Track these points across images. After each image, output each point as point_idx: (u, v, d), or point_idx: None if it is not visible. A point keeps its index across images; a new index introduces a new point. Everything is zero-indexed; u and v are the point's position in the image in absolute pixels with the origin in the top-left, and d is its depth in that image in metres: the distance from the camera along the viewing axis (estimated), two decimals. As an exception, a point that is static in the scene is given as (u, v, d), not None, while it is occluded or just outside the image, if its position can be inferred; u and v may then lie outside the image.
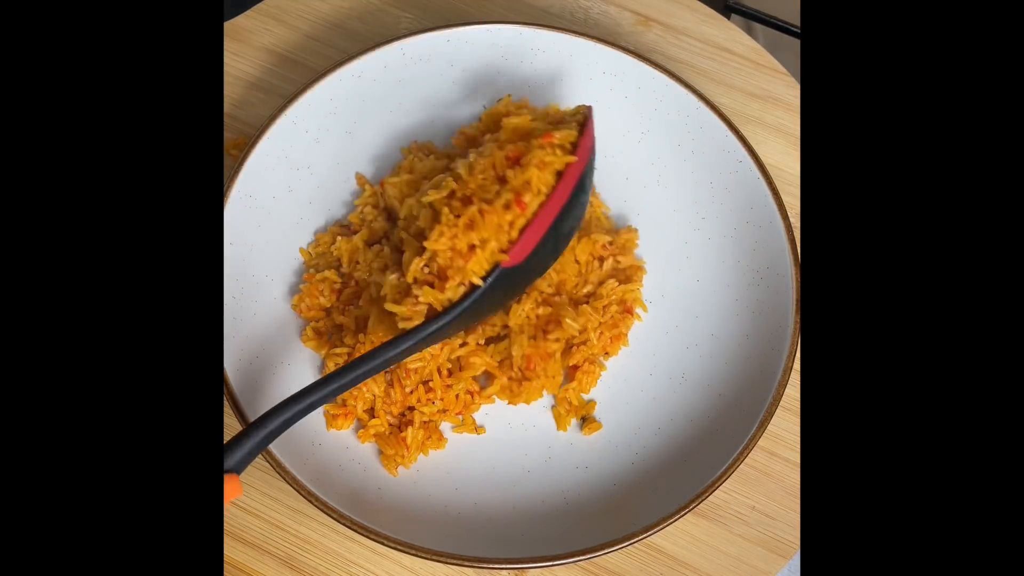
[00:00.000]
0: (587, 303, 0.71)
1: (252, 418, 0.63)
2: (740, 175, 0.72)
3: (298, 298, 0.71)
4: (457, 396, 0.68)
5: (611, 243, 0.73)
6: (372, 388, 0.66)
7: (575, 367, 0.70)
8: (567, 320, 0.68)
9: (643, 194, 0.77)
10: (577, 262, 0.72)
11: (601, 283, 0.72)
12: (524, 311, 0.68)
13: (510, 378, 0.68)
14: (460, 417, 0.68)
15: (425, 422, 0.67)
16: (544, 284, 0.69)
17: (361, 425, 0.68)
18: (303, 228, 0.74)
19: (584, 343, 0.69)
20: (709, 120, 0.74)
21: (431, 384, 0.67)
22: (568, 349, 0.70)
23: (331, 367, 0.68)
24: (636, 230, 0.75)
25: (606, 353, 0.71)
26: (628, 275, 0.73)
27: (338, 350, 0.68)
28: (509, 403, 0.69)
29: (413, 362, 0.66)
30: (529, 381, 0.68)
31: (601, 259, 0.73)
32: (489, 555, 0.61)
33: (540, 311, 0.69)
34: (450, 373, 0.68)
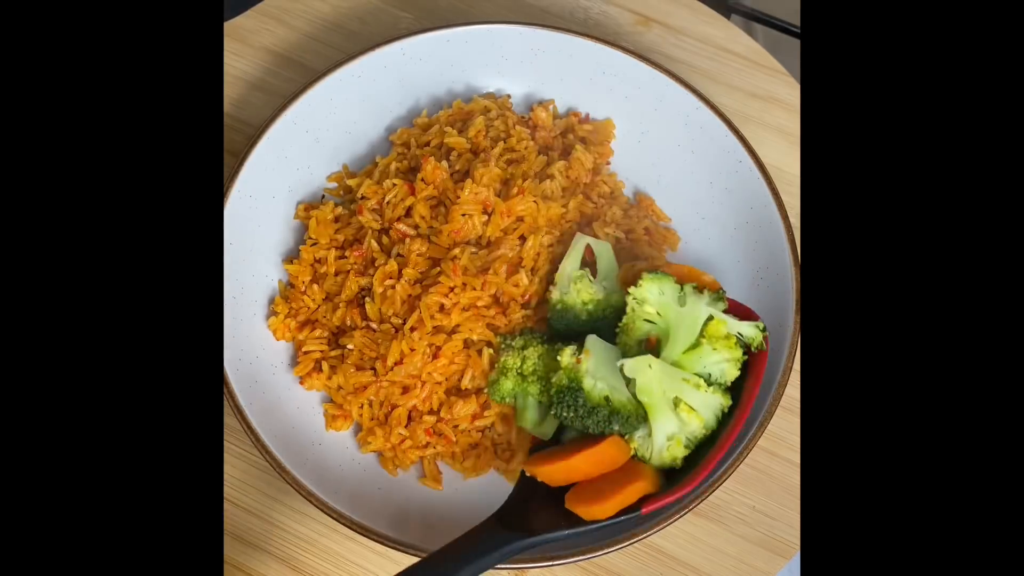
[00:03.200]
0: None
1: (252, 418, 0.63)
2: (740, 175, 0.72)
3: (274, 321, 0.70)
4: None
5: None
6: (363, 412, 0.67)
7: None
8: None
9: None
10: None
11: None
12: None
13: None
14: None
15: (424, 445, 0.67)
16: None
17: (360, 427, 0.68)
18: (302, 228, 0.74)
19: None
20: (709, 120, 0.74)
21: (445, 436, 0.67)
22: None
23: (308, 359, 0.69)
24: (675, 231, 0.76)
25: None
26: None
27: (317, 333, 0.69)
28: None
29: (408, 400, 0.66)
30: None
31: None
32: (489, 555, 0.61)
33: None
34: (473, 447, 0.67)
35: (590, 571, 0.66)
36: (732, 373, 0.63)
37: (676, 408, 0.61)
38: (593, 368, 0.61)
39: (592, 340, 0.62)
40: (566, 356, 0.61)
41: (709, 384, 0.63)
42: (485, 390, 0.66)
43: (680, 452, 0.60)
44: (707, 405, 0.62)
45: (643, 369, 0.60)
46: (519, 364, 0.64)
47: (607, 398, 0.59)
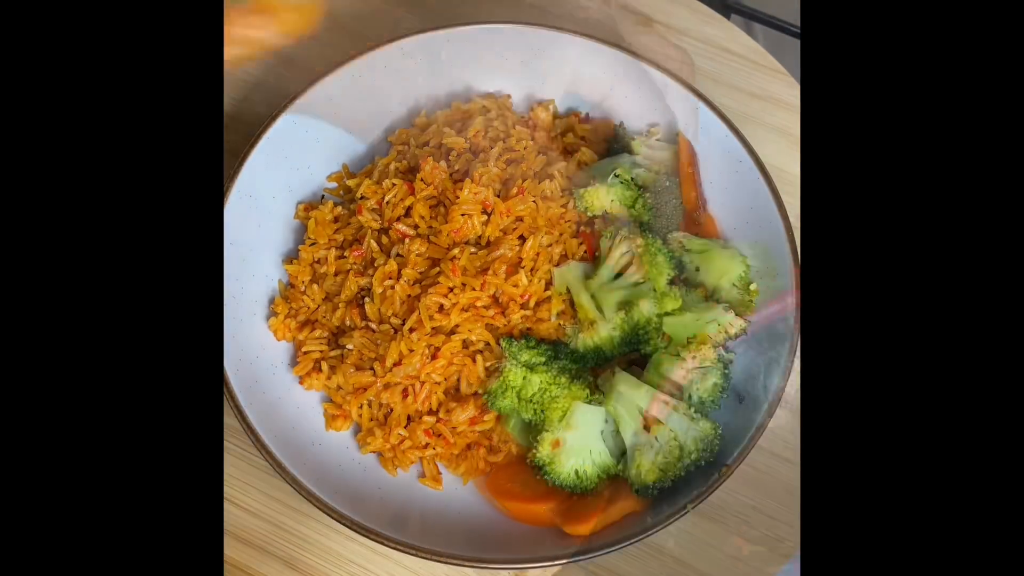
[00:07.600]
0: None
1: (252, 418, 0.63)
2: (740, 175, 0.72)
3: (274, 321, 0.70)
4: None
5: None
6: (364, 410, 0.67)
7: None
8: None
9: (643, 194, 0.77)
10: None
11: None
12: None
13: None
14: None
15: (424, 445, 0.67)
16: None
17: (359, 427, 0.68)
18: (302, 228, 0.74)
19: None
20: (709, 120, 0.74)
21: (443, 437, 0.66)
22: None
23: (308, 359, 0.69)
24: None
25: None
26: None
27: (317, 333, 0.69)
28: None
29: (408, 405, 0.66)
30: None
31: None
32: (489, 555, 0.61)
33: None
34: (469, 447, 0.68)
35: (590, 571, 0.66)
36: (710, 379, 0.65)
37: (650, 430, 0.63)
38: (572, 442, 0.64)
39: (578, 408, 0.64)
40: (544, 446, 0.64)
41: (690, 407, 0.64)
42: (483, 395, 0.66)
43: (652, 477, 0.63)
44: (684, 427, 0.62)
45: (608, 377, 0.65)
46: (520, 386, 0.64)
47: (576, 471, 0.64)
